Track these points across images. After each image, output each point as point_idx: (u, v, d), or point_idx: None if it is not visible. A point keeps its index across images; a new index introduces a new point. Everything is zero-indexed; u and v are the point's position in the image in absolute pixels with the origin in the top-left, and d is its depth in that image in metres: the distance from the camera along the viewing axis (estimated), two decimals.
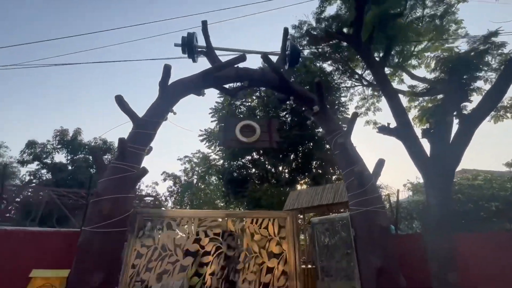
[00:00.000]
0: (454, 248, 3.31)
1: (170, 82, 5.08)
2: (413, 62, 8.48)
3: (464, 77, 4.72)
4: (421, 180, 7.56)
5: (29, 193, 11.18)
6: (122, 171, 4.27)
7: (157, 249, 4.01)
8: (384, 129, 4.20)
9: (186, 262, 3.98)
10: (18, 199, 11.13)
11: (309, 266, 6.50)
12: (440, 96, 5.54)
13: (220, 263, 4.04)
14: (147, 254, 3.96)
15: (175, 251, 4.03)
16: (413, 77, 6.92)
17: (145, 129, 4.74)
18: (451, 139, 4.03)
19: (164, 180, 24.18)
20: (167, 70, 4.68)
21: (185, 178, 24.23)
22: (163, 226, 4.19)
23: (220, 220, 4.30)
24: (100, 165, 4.39)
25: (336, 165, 13.68)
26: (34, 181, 13.99)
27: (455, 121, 4.27)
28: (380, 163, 4.90)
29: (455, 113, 3.94)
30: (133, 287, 3.75)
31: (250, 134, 5.06)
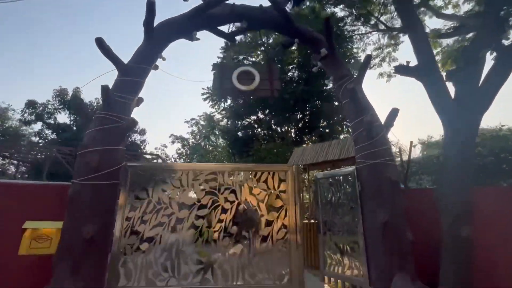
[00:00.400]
0: (470, 202, 2.96)
1: (157, 23, 4.48)
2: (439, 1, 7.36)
3: (504, 8, 3.90)
4: (434, 138, 7.02)
5: (37, 154, 11.33)
6: (108, 122, 3.95)
7: (151, 202, 3.85)
8: (402, 69, 3.61)
9: (181, 215, 3.84)
10: (27, 159, 11.33)
11: (312, 221, 6.45)
12: (469, 36, 4.76)
13: (218, 216, 3.88)
14: (141, 207, 3.82)
15: (170, 204, 3.87)
16: (439, 15, 5.95)
17: (131, 76, 4.28)
18: (481, 81, 3.43)
19: (173, 142, 24.38)
20: (150, 6, 4.04)
21: (193, 140, 24.33)
22: (158, 180, 3.98)
23: (217, 173, 4.04)
24: (85, 116, 4.06)
25: (344, 123, 13.13)
26: (40, 141, 14.14)
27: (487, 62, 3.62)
28: (393, 113, 4.39)
29: (489, 49, 3.29)
30: (128, 239, 3.68)
31: (248, 82, 4.55)
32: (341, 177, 4.72)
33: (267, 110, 15.00)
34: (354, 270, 4.21)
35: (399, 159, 5.02)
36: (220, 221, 3.86)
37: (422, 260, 3.96)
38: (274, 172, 4.12)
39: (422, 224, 4.21)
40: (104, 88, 3.83)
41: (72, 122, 14.30)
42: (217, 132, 16.27)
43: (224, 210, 3.92)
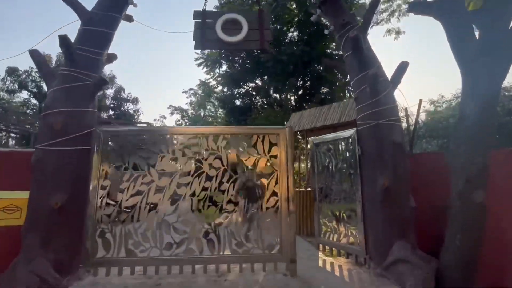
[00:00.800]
0: (486, 165, 2.54)
1: None
2: None
3: None
4: (445, 98, 6.44)
5: (24, 125, 10.91)
6: (73, 79, 3.44)
7: (128, 169, 3.49)
8: (417, 6, 2.97)
9: (162, 183, 3.49)
10: (15, 130, 10.96)
11: (310, 189, 6.17)
12: None
13: (202, 184, 3.53)
14: (118, 175, 3.46)
15: (149, 171, 3.50)
16: None
17: (97, 26, 3.67)
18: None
19: (172, 114, 23.72)
20: None
21: (192, 111, 23.64)
22: (134, 145, 3.57)
23: (200, 137, 3.62)
24: (46, 73, 3.54)
25: (347, 88, 12.39)
26: (28, 111, 13.65)
27: None
28: (402, 68, 3.82)
29: None
30: (105, 209, 3.38)
31: (235, 32, 3.91)
32: (339, 141, 4.29)
33: (265, 77, 14.15)
34: (350, 238, 3.97)
35: (405, 123, 4.54)
36: (204, 189, 3.52)
37: (424, 228, 3.68)
38: (265, 135, 3.68)
39: (428, 191, 3.86)
40: (63, 38, 3.26)
41: None
42: (213, 101, 15.57)
43: (209, 178, 3.57)
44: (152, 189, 3.48)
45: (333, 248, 4.23)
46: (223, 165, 3.58)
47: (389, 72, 3.88)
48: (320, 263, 3.89)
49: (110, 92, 14.86)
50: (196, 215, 3.46)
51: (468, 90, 2.79)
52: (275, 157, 3.64)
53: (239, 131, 3.75)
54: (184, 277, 3.32)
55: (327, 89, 14.42)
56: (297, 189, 6.62)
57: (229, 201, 3.54)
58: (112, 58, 4.04)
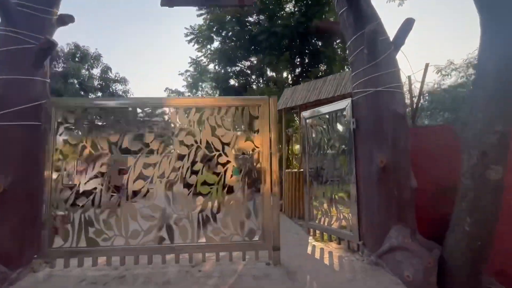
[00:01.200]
0: (506, 135, 2.05)
1: None
2: None
3: None
4: (455, 64, 5.80)
5: None
6: (12, 41, 2.88)
7: (86, 148, 3.02)
8: None
9: (125, 164, 3.04)
10: None
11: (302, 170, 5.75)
12: None
13: (172, 163, 3.08)
14: (74, 154, 3.00)
15: (110, 149, 3.04)
16: None
17: None
18: None
19: (168, 96, 22.90)
20: None
21: (189, 94, 22.80)
22: (93, 119, 3.08)
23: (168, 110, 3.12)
24: None
25: (347, 63, 11.65)
26: None
27: None
28: (406, 26, 3.23)
29: None
30: (61, 193, 2.95)
31: None
32: (332, 115, 3.78)
33: (261, 55, 13.31)
34: (342, 222, 3.57)
35: (407, 94, 3.98)
36: (175, 169, 3.07)
37: (425, 211, 3.27)
38: (244, 107, 3.17)
39: (431, 169, 3.41)
40: None
41: None
42: (208, 81, 14.79)
43: (181, 157, 3.10)
44: (115, 171, 3.04)
45: (324, 233, 3.85)
46: (196, 142, 3.11)
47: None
48: (309, 250, 3.52)
49: (96, 72, 14.16)
50: (167, 199, 3.03)
51: (489, 43, 2.25)
52: (257, 132, 3.16)
53: (214, 102, 3.24)
54: (153, 268, 2.95)
55: (325, 67, 13.64)
56: (289, 170, 6.20)
57: (204, 183, 3.11)
58: (66, 19, 3.44)
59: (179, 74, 13.94)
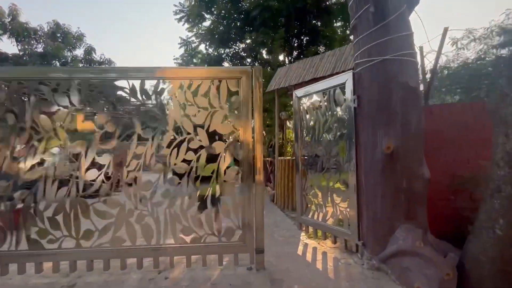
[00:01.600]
0: None
1: None
2: None
3: None
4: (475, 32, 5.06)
5: None
6: None
7: (24, 130, 2.44)
8: None
9: (74, 149, 2.47)
10: None
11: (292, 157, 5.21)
12: None
13: (133, 149, 2.52)
14: (10, 138, 2.43)
15: (55, 132, 2.46)
16: None
17: None
18: None
19: (164, 82, 21.94)
20: None
21: None
22: (30, 95, 2.48)
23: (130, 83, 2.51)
24: None
25: (348, 41, 10.88)
26: None
27: None
28: None
29: None
30: None
31: None
32: (329, 92, 3.19)
33: (254, 33, 12.43)
34: (339, 217, 3.06)
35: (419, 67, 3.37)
36: (136, 156, 2.52)
37: (437, 204, 2.76)
38: (221, 80, 2.58)
39: (446, 155, 2.88)
40: None
41: (22, 53, 11.84)
42: (198, 63, 13.95)
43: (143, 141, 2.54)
44: (62, 157, 2.48)
45: (318, 230, 3.36)
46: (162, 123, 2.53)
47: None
48: (300, 249, 3.03)
49: (79, 52, 13.25)
50: (127, 193, 2.49)
51: None
52: (237, 110, 2.58)
53: (186, 73, 2.63)
54: (111, 275, 2.45)
55: (324, 48, 12.85)
56: (282, 157, 5.66)
57: (173, 173, 2.56)
58: None
59: (174, 59, 13.11)
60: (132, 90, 2.50)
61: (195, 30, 12.77)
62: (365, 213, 2.68)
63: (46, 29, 12.09)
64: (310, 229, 3.50)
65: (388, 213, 2.48)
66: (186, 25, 12.61)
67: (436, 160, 2.83)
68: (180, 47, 12.61)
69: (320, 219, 3.29)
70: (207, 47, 12.57)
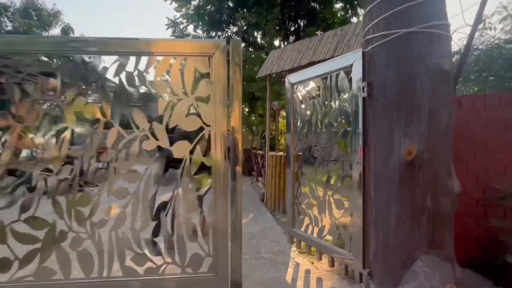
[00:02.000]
0: None
1: None
2: None
3: None
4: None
5: None
6: None
7: None
8: None
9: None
10: None
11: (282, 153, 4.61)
12: None
13: (64, 150, 1.85)
14: None
15: None
16: None
17: None
18: None
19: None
20: None
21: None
22: None
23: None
24: None
25: (348, 22, 10.11)
26: None
27: None
28: None
29: None
30: None
31: None
32: (331, 77, 2.53)
33: (247, 13, 11.49)
34: (338, 235, 2.48)
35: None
36: (69, 159, 1.86)
37: (464, 222, 2.19)
38: (186, 58, 1.89)
39: (480, 162, 2.28)
40: None
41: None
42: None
43: (79, 139, 1.88)
44: None
45: (312, 247, 2.78)
46: (103, 116, 1.86)
47: None
48: (289, 274, 2.45)
49: (56, 32, 12.13)
50: (58, 207, 1.85)
51: None
52: (207, 99, 1.92)
53: (138, 48, 1.93)
54: None
55: (322, 32, 12.04)
56: (273, 152, 5.04)
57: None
58: None
59: None
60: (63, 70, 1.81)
61: (183, 10, 11.76)
62: (373, 235, 2.09)
63: (18, 5, 10.95)
64: (303, 243, 2.92)
65: (404, 238, 1.89)
66: (174, 4, 11.59)
67: (463, 167, 2.24)
68: (167, 29, 11.59)
69: (315, 235, 2.70)
70: (196, 29, 11.60)
